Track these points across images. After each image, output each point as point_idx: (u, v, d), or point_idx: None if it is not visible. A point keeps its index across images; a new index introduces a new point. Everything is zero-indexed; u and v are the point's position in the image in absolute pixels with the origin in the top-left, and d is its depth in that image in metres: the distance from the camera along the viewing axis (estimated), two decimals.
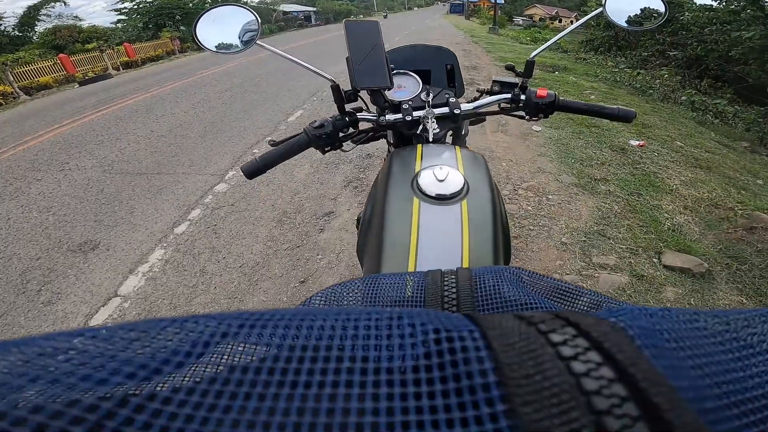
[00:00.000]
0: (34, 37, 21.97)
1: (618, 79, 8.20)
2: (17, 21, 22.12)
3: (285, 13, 36.13)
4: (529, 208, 2.61)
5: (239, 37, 0.83)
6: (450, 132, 0.88)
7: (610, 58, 12.30)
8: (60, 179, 3.80)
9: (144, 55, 17.38)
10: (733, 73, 9.14)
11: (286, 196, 2.96)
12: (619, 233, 2.34)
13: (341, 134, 0.83)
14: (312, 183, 3.13)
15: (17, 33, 21.91)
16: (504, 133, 3.81)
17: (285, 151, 0.79)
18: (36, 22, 22.93)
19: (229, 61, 11.64)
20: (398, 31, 18.97)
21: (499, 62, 8.59)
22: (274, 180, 3.22)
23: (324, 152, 0.84)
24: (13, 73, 12.60)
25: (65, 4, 24.55)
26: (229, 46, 0.83)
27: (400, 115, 0.81)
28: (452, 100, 0.83)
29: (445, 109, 0.82)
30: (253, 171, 0.78)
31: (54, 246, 2.69)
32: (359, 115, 0.85)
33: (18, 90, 12.25)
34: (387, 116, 0.82)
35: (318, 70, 0.83)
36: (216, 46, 0.83)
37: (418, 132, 0.80)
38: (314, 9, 41.88)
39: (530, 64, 0.84)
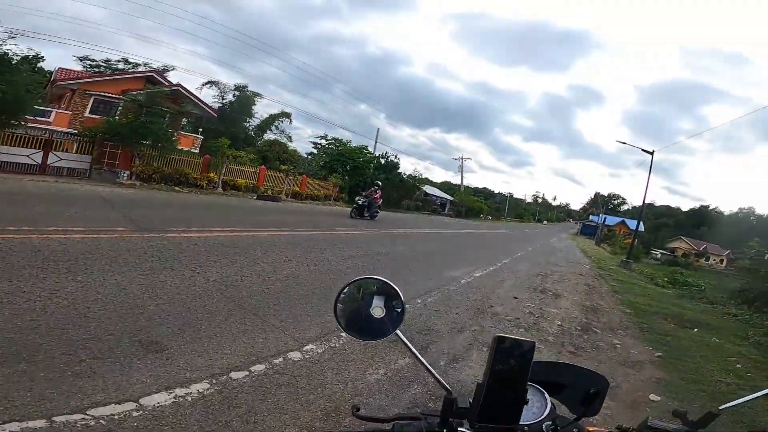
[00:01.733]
0: (259, 142, 25.93)
1: None
2: (257, 125, 26.64)
3: (426, 194, 41.08)
4: None
5: (379, 317, 0.78)
6: None
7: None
8: (166, 278, 4.27)
9: (309, 191, 21.05)
10: None
11: (344, 399, 2.58)
12: None
13: None
14: (370, 407, 2.61)
15: (252, 134, 26.36)
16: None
17: None
18: (267, 130, 27.26)
19: (371, 228, 12.63)
20: (518, 246, 18.80)
21: (625, 307, 7.72)
22: (338, 379, 2.85)
23: None
24: (227, 167, 16.01)
25: (291, 121, 28.64)
26: (365, 329, 0.79)
27: None
28: None
29: None
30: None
31: (128, 332, 2.88)
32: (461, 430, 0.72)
33: (220, 181, 15.37)
34: None
35: (439, 378, 0.78)
36: (350, 326, 0.80)
37: None
38: (452, 198, 46.60)
39: (710, 417, 0.69)
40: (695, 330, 6.61)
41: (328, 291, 4.80)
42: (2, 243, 4.18)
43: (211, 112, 19.63)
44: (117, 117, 12.28)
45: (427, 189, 43.05)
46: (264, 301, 4.13)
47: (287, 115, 28.16)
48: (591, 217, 67.58)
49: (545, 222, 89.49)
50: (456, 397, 0.73)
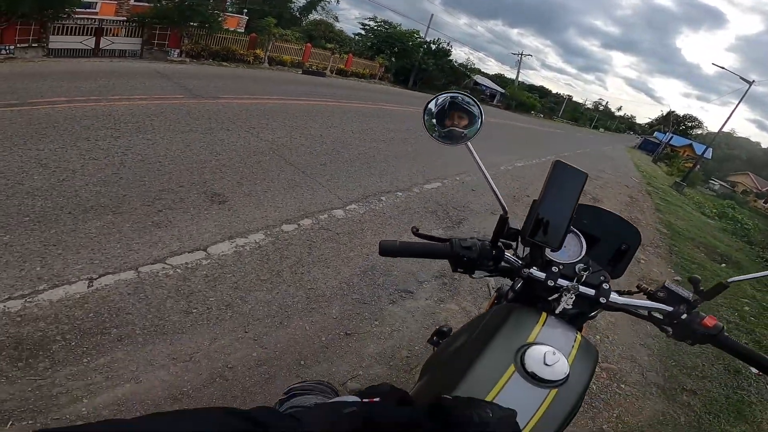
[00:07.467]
0: (304, 22, 26.28)
1: None
2: (302, 5, 26.32)
3: (476, 83, 38.22)
4: (592, 386, 2.21)
5: (458, 128, 0.83)
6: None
7: None
8: (247, 136, 4.65)
9: (355, 68, 20.58)
10: None
11: (380, 260, 2.92)
12: None
13: (479, 263, 0.79)
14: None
15: (297, 15, 26.34)
16: None
17: (423, 251, 0.79)
18: (313, 10, 27.09)
19: (414, 106, 12.59)
20: (566, 146, 17.86)
21: (662, 227, 7.52)
22: (376, 239, 3.11)
23: (455, 270, 0.80)
24: (273, 44, 15.92)
25: (338, 1, 28.42)
26: (446, 135, 0.85)
27: (543, 276, 0.76)
28: (605, 286, 0.75)
29: (592, 292, 0.75)
30: (388, 251, 0.78)
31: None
32: (506, 254, 0.80)
33: (266, 57, 15.39)
34: (531, 270, 0.76)
35: (499, 195, 0.82)
36: (436, 132, 0.85)
37: (549, 298, 0.74)
38: (503, 91, 43.36)
39: (720, 288, 0.73)
40: (723, 265, 6.24)
41: (371, 158, 5.25)
42: (75, 110, 4.53)
43: None
44: (163, 2, 12.15)
45: (478, 78, 40.02)
46: (312, 161, 4.54)
47: None
48: (656, 133, 60.96)
49: (602, 130, 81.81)
50: (509, 217, 0.77)
